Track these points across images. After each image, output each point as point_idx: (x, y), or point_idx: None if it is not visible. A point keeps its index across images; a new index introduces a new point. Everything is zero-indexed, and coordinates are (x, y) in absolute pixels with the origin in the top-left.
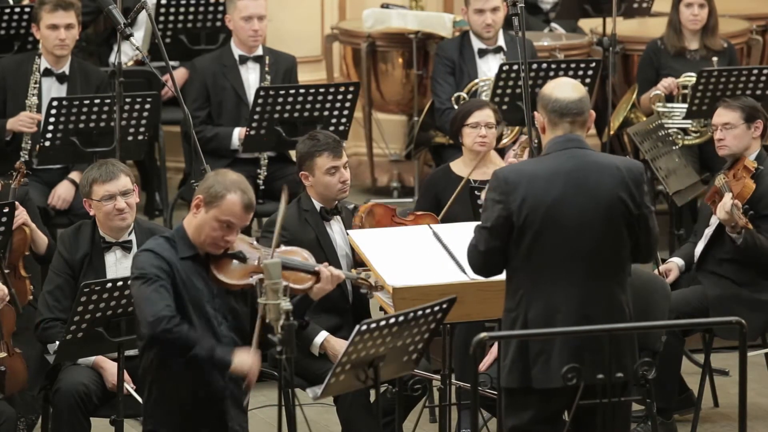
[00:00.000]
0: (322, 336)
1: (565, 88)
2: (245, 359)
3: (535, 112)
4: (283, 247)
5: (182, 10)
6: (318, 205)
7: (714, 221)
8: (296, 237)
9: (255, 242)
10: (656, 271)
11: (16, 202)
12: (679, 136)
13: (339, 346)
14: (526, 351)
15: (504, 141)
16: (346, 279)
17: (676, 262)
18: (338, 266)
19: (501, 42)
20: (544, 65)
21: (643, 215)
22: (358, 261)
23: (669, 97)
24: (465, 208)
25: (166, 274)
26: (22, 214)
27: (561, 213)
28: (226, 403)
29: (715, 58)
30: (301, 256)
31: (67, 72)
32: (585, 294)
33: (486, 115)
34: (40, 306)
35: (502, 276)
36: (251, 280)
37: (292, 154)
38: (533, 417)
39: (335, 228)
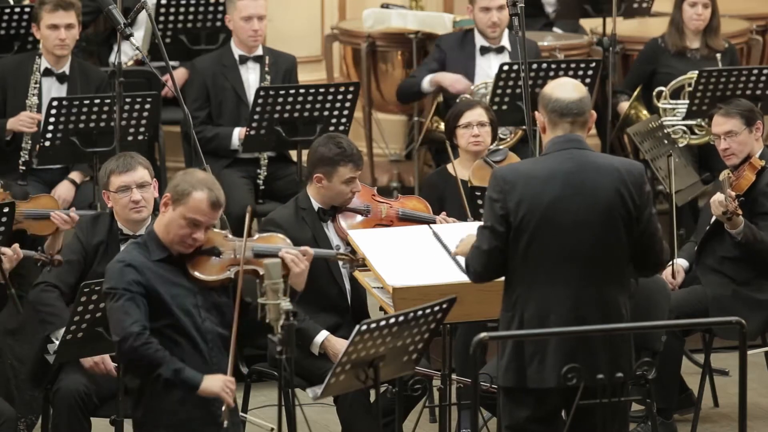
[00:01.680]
0: (323, 335)
1: (565, 88)
2: (214, 381)
3: (536, 112)
4: (257, 235)
5: (182, 10)
6: (316, 205)
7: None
8: (293, 235)
9: (229, 234)
10: (666, 275)
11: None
12: (685, 135)
13: (339, 345)
14: (522, 351)
15: (510, 142)
16: (326, 257)
17: (680, 264)
18: (336, 265)
19: (505, 42)
20: (544, 65)
21: (643, 218)
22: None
23: (675, 94)
24: (463, 210)
25: (137, 283)
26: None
27: (558, 214)
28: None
29: (718, 55)
30: (283, 242)
31: (67, 72)
32: (580, 295)
33: (477, 114)
34: (43, 272)
35: (502, 276)
36: (229, 273)
37: (293, 154)
38: (529, 416)
39: (332, 227)
